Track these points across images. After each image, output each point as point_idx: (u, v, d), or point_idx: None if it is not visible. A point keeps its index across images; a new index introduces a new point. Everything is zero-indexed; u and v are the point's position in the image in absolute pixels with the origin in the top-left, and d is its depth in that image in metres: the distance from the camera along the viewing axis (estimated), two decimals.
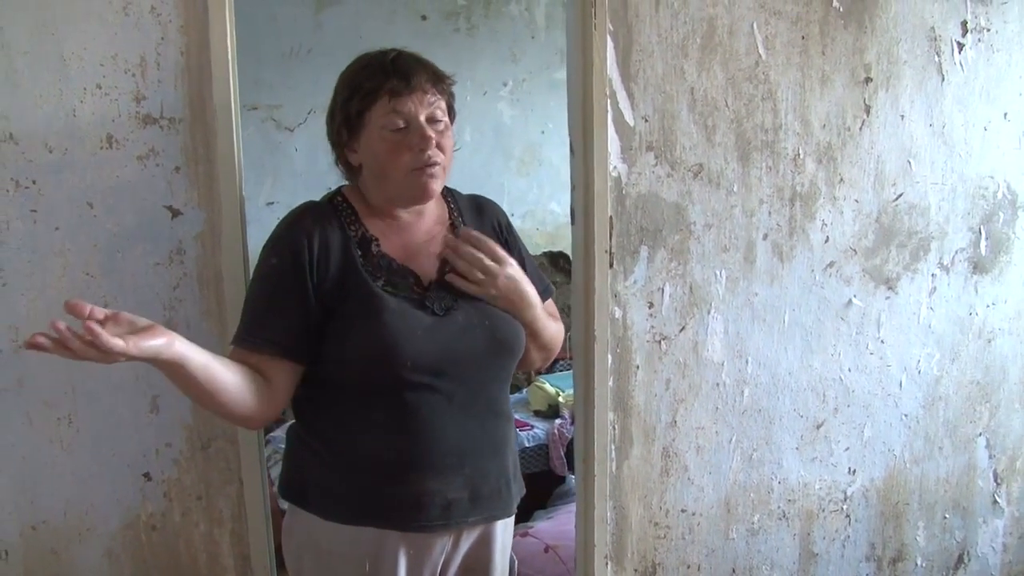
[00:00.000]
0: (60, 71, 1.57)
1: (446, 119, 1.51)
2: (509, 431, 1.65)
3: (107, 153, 1.61)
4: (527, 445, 3.65)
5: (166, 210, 1.66)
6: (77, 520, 1.68)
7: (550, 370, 4.41)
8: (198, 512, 1.76)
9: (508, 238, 1.70)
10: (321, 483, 1.52)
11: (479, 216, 1.66)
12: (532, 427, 3.77)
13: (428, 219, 1.58)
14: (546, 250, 4.70)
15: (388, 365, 1.44)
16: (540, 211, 4.66)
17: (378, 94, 1.45)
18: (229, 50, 1.65)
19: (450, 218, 1.63)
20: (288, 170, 3.97)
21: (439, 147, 1.47)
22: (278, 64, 3.93)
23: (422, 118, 1.46)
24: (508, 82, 4.46)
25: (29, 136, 1.57)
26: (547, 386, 3.98)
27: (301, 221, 1.48)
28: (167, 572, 1.75)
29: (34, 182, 1.58)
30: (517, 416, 3.89)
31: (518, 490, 1.68)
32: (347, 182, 1.60)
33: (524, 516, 3.51)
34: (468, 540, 1.58)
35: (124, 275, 1.65)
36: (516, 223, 4.56)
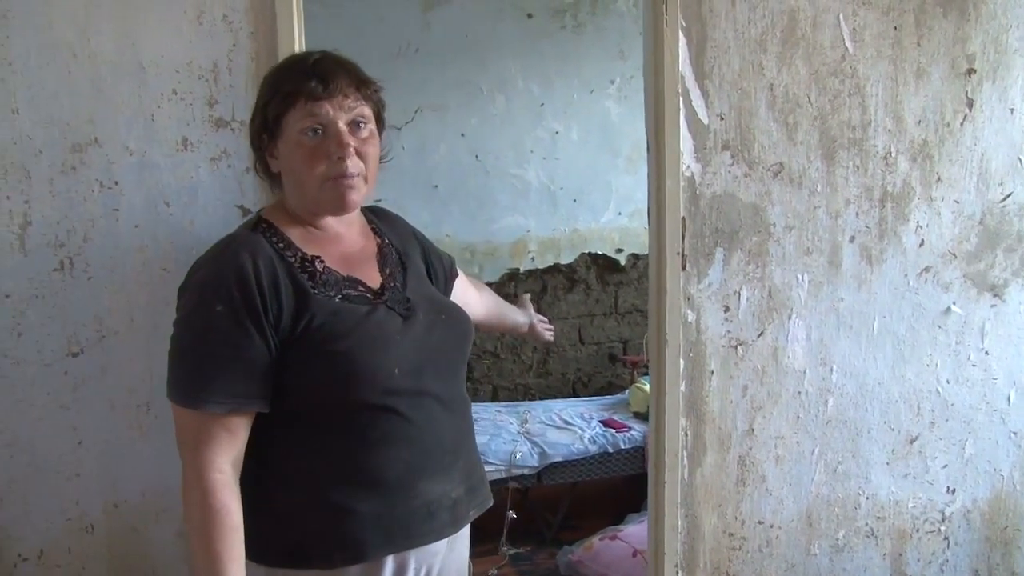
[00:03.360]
0: (139, 78, 1.66)
1: (372, 127, 1.42)
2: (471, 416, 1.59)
3: (182, 155, 1.69)
4: (623, 447, 3.57)
5: (237, 209, 1.73)
6: (154, 501, 1.78)
7: None
8: None
9: (421, 240, 1.64)
10: (318, 531, 1.35)
11: (393, 227, 1.59)
12: (630, 429, 3.67)
13: (355, 229, 1.49)
14: None
15: (377, 377, 1.34)
16: None
17: (296, 97, 1.34)
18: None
19: (374, 231, 1.54)
20: (395, 167, 4.03)
21: (360, 156, 1.37)
22: (385, 63, 3.97)
23: (341, 124, 1.36)
24: (616, 79, 4.37)
25: (111, 139, 1.66)
26: (647, 387, 3.87)
27: (237, 259, 1.31)
28: None
29: (116, 183, 1.68)
30: (616, 417, 3.83)
31: None
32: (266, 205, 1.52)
33: (616, 519, 3.46)
34: (460, 535, 1.51)
35: None
36: (623, 221, 4.55)
